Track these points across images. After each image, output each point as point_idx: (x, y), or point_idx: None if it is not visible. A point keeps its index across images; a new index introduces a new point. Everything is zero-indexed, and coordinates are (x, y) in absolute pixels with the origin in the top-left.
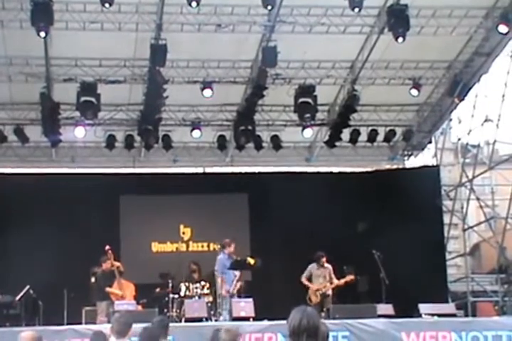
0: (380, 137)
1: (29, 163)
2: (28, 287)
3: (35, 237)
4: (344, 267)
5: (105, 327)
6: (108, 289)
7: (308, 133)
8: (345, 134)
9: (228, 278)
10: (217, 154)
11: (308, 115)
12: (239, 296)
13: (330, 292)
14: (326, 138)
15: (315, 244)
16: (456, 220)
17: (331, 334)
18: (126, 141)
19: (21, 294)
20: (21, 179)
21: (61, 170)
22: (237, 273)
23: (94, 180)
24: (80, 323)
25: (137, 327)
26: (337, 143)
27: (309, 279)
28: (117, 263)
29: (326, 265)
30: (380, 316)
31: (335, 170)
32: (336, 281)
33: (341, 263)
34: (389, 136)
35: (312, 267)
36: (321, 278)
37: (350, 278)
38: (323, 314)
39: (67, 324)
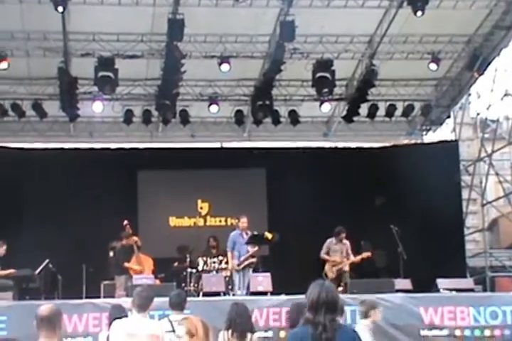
0: (399, 112)
1: (47, 137)
2: (47, 261)
3: (52, 212)
4: (362, 242)
5: (124, 301)
6: (126, 264)
7: (326, 107)
8: (363, 109)
9: (242, 253)
10: (235, 129)
11: (326, 90)
12: (256, 271)
13: (347, 268)
14: (344, 113)
15: (332, 219)
16: (475, 195)
17: (348, 308)
18: (143, 115)
19: (41, 268)
20: (39, 154)
21: (79, 144)
22: (250, 248)
23: (112, 154)
24: (99, 297)
25: (156, 301)
26: (355, 118)
27: (327, 254)
28: (135, 238)
29: (345, 241)
30: (397, 291)
31: (353, 145)
32: (352, 258)
33: (359, 238)
34: (407, 111)
35: (330, 242)
36: (338, 254)
37: (366, 254)
38: (340, 289)
39: (86, 298)
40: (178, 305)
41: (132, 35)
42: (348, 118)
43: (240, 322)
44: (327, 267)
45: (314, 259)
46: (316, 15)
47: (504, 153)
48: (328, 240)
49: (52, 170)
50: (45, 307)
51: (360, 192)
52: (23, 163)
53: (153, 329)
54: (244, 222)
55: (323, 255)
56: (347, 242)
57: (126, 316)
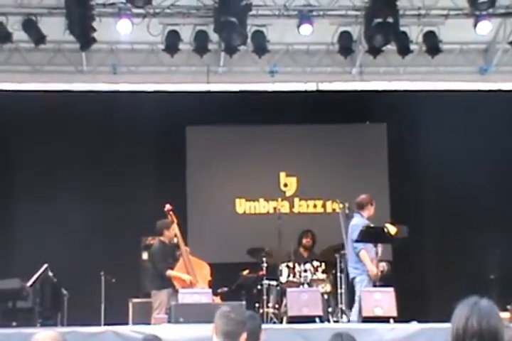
0: None
1: (47, 74)
2: (45, 266)
3: (55, 190)
4: None
5: (163, 330)
6: (169, 273)
7: (485, 28)
8: None
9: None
10: (339, 62)
11: (483, 0)
12: (374, 285)
13: None
14: None
15: (490, 201)
16: None
17: None
18: (196, 40)
19: (35, 277)
20: (35, 99)
21: (96, 85)
22: (380, 248)
23: (148, 101)
24: (126, 323)
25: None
26: None
27: None
28: (173, 231)
29: None
30: None
31: None
32: None
33: None
34: None
35: None
36: None
37: None
38: (507, 315)
39: (105, 324)
40: (251, 335)
41: None
42: None
43: None
44: None
45: (463, 266)
46: None
47: None
48: None
49: (55, 125)
50: (43, 335)
51: None
52: (11, 113)
53: None
54: (373, 207)
55: None
56: None
57: None
